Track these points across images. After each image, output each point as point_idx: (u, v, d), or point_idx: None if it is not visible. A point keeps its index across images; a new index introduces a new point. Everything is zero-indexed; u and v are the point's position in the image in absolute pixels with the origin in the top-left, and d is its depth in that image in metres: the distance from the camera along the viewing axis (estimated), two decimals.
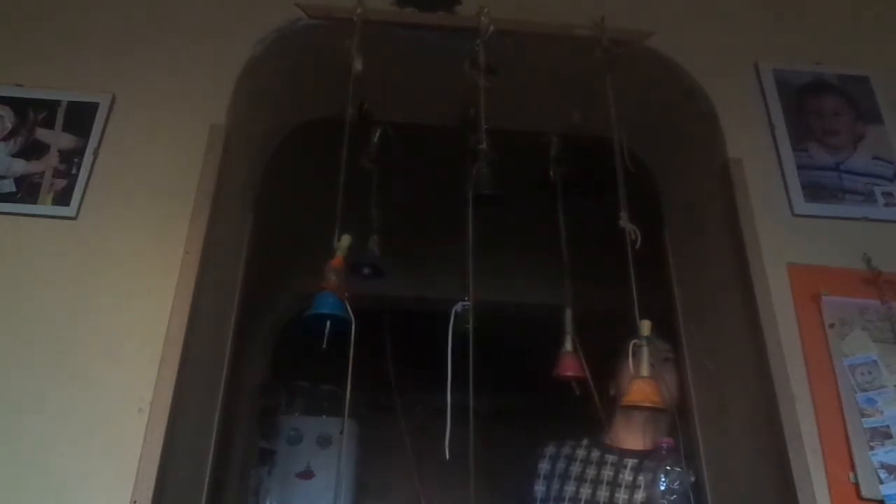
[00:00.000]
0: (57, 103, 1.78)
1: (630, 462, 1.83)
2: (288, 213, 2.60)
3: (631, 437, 1.90)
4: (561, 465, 1.90)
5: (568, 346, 1.82)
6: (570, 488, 1.84)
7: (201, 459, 1.78)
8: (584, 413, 1.92)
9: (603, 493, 1.80)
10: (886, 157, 1.85)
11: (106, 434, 1.43)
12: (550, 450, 1.96)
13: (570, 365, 1.79)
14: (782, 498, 1.48)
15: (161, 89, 1.82)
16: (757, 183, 1.77)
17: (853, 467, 1.45)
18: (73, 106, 1.78)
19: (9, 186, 1.68)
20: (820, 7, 2.10)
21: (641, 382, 1.49)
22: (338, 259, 1.55)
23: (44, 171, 1.70)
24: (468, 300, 1.60)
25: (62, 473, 1.40)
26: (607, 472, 1.83)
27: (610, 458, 1.87)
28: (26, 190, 1.68)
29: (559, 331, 1.90)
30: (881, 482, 1.43)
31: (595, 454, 1.89)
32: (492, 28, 1.79)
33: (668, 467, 1.69)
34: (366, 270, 1.91)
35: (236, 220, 1.99)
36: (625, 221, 1.64)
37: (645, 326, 1.54)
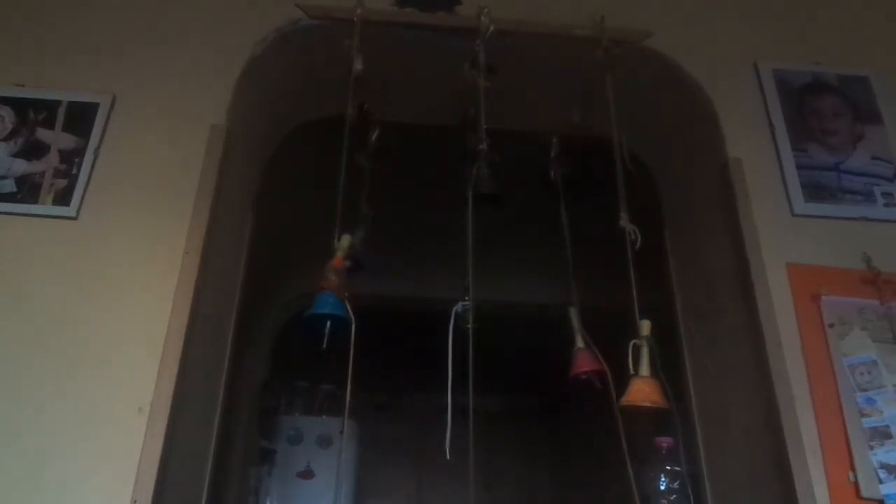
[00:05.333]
0: (57, 103, 1.78)
1: None
2: (288, 213, 2.60)
3: None
4: None
5: (579, 343, 1.81)
6: None
7: (201, 459, 1.78)
8: (585, 412, 1.92)
9: None
10: (886, 157, 1.85)
11: (106, 434, 1.43)
12: None
13: (586, 361, 1.78)
14: (782, 498, 1.48)
15: (161, 89, 1.82)
16: (757, 183, 1.78)
17: (853, 467, 1.45)
18: (73, 106, 1.78)
19: (9, 186, 1.68)
20: (820, 7, 2.10)
21: (641, 382, 1.49)
22: (338, 259, 1.55)
23: (44, 172, 1.70)
24: (468, 300, 1.60)
25: (62, 473, 1.40)
26: None
27: None
28: (27, 190, 1.68)
29: (559, 330, 1.90)
30: (881, 482, 1.43)
31: None
32: (492, 28, 1.79)
33: (667, 467, 1.69)
34: (347, 263, 1.89)
35: (236, 220, 1.99)
36: (625, 221, 1.64)
37: (645, 326, 1.54)
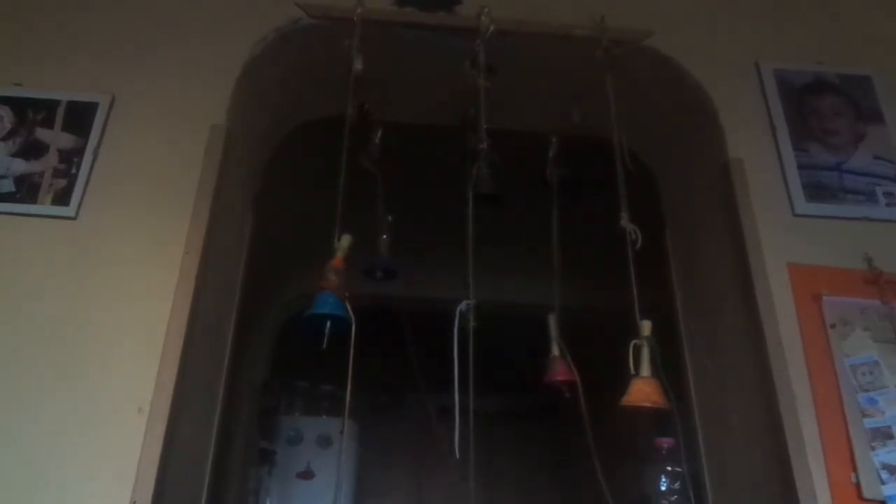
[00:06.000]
0: (57, 103, 1.78)
1: None
2: (288, 213, 2.60)
3: None
4: None
5: (555, 351, 1.82)
6: None
7: (201, 459, 1.78)
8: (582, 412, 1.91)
9: None
10: (887, 156, 1.85)
11: (106, 434, 1.43)
12: None
13: (559, 370, 1.79)
14: (783, 498, 1.48)
15: (161, 89, 1.82)
16: (757, 183, 1.77)
17: (854, 468, 1.45)
18: (72, 106, 1.78)
19: (8, 186, 1.68)
20: (821, 6, 2.10)
21: (641, 382, 1.49)
22: (338, 259, 1.55)
23: (43, 171, 1.70)
24: (471, 299, 1.59)
25: (62, 473, 1.40)
26: None
27: None
28: (25, 190, 1.67)
29: (562, 330, 1.89)
30: (882, 483, 1.43)
31: None
32: (492, 28, 1.79)
33: (668, 468, 1.68)
34: (378, 274, 1.91)
35: (236, 220, 1.98)
36: (625, 221, 1.63)
37: (646, 327, 1.54)
